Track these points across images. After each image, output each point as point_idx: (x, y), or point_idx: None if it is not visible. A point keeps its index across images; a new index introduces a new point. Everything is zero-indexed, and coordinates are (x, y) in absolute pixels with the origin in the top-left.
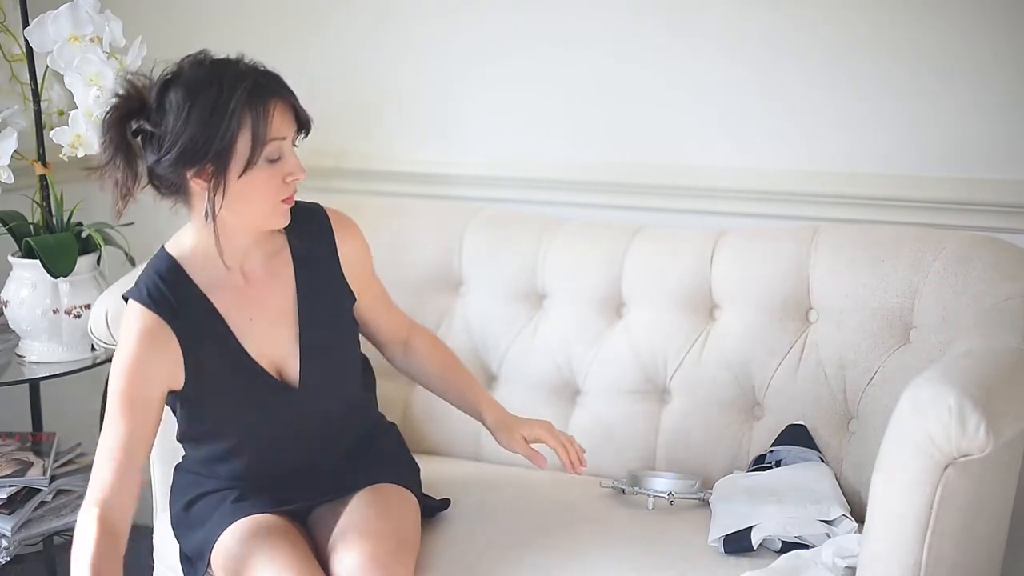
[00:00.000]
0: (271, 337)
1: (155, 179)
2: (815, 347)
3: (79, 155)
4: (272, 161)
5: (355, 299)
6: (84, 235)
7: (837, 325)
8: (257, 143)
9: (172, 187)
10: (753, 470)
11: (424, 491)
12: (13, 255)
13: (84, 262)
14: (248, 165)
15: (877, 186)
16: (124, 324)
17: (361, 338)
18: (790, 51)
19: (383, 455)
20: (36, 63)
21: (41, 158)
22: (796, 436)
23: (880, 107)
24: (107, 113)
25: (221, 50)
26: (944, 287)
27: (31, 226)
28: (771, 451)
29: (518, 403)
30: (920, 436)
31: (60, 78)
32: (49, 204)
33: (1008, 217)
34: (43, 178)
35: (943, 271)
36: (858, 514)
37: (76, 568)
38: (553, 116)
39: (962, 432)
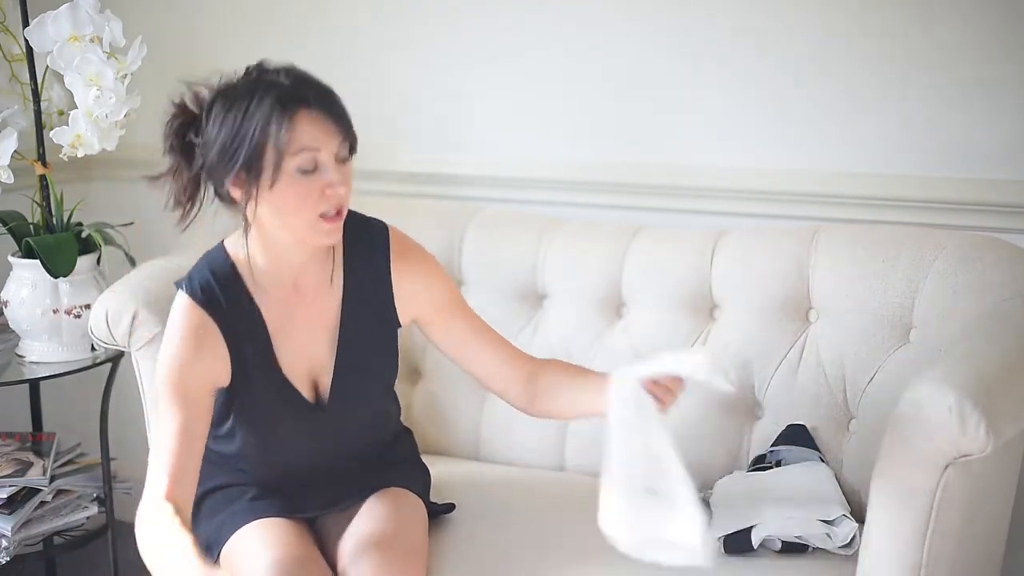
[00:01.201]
0: (309, 350)
1: (210, 187)
2: (815, 347)
3: (79, 155)
4: (306, 172)
5: (400, 326)
6: (84, 235)
7: (837, 325)
8: (281, 152)
9: (221, 197)
10: (753, 470)
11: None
12: (13, 255)
13: (84, 262)
14: (276, 175)
15: (877, 186)
16: (172, 315)
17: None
18: (790, 51)
19: (397, 460)
20: (36, 63)
21: (41, 158)
22: (796, 436)
23: (880, 107)
24: (167, 122)
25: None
26: (944, 287)
27: (31, 226)
28: (771, 451)
29: None
30: (920, 436)
31: (60, 78)
32: (49, 204)
33: (1008, 217)
34: (43, 178)
35: (943, 271)
36: (858, 514)
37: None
38: (553, 116)
39: (962, 432)
